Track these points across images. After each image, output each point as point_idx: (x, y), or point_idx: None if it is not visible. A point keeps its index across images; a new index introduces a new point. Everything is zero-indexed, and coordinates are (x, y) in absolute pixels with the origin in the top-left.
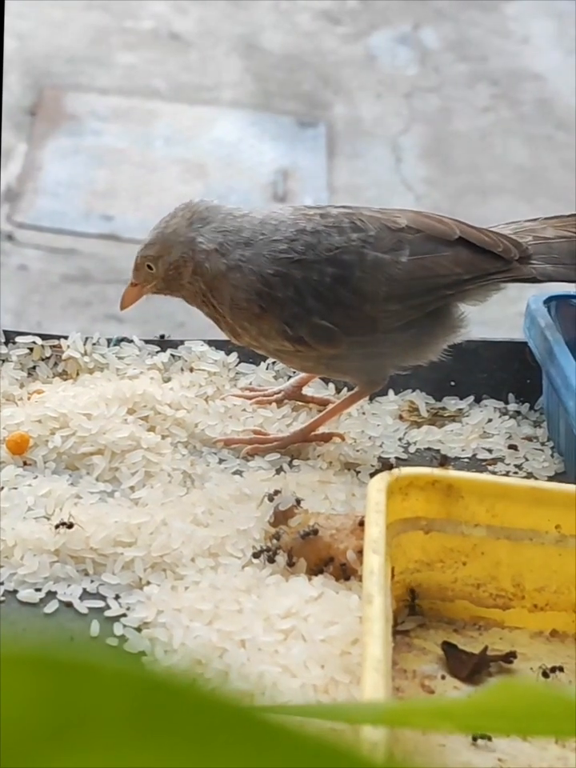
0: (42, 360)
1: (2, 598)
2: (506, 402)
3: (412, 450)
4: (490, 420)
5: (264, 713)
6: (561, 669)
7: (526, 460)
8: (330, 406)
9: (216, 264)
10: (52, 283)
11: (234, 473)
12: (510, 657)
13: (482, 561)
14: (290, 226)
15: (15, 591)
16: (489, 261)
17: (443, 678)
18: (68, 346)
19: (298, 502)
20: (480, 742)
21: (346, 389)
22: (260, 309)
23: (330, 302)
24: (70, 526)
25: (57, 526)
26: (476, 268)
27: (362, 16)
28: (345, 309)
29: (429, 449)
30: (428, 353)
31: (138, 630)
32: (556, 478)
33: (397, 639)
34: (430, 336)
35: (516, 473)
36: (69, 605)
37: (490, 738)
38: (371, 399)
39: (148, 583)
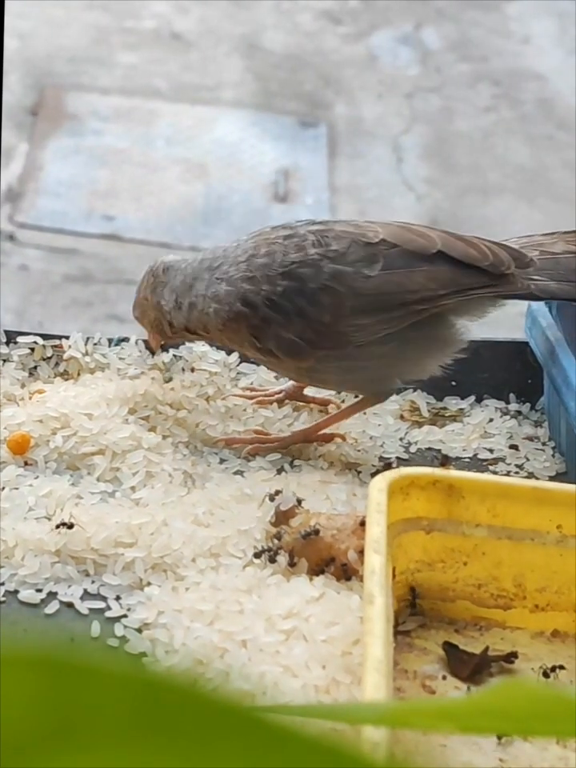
0: (44, 360)
1: (3, 599)
2: (507, 402)
3: (413, 449)
4: (491, 420)
5: (265, 713)
6: (561, 667)
7: (527, 460)
8: (332, 408)
9: (179, 317)
10: (53, 283)
11: (235, 473)
12: (511, 657)
13: (483, 561)
14: (240, 254)
15: (16, 592)
16: (470, 276)
17: (444, 678)
18: (69, 346)
19: (299, 502)
20: (503, 739)
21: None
22: (224, 327)
23: (290, 314)
24: (70, 526)
25: (57, 527)
26: (453, 283)
27: (363, 16)
28: (306, 321)
29: (430, 449)
30: (424, 366)
31: (139, 630)
32: (557, 478)
33: (398, 639)
34: (420, 350)
35: (517, 473)
36: (70, 605)
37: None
38: None
39: (149, 584)
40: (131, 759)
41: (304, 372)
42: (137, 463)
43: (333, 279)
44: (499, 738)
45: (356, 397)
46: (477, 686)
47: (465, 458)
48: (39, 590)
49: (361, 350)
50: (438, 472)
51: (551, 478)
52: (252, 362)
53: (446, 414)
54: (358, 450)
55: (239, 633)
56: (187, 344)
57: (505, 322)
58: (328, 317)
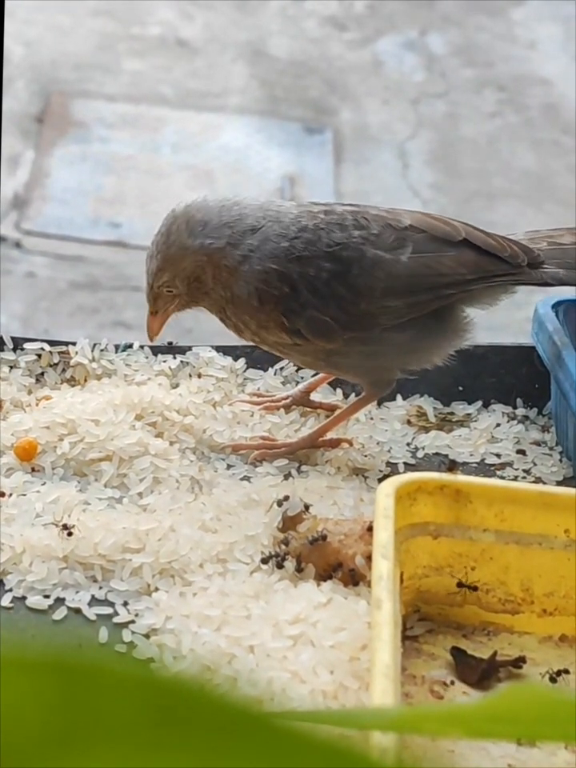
0: (50, 366)
1: (11, 605)
2: (514, 407)
3: (420, 455)
4: (498, 425)
5: (274, 717)
6: (567, 671)
7: (535, 465)
8: (338, 412)
9: (232, 257)
10: (60, 290)
11: (242, 479)
12: (519, 662)
13: (490, 566)
14: (293, 221)
15: (24, 598)
16: (494, 263)
17: (452, 683)
18: (76, 353)
19: (307, 507)
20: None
21: (353, 394)
22: (258, 302)
23: (326, 297)
24: (70, 533)
25: (56, 526)
26: (480, 269)
27: (369, 22)
28: (341, 303)
29: (437, 454)
30: (432, 356)
31: (147, 636)
32: (564, 482)
33: (406, 644)
34: (433, 339)
35: (524, 477)
36: (77, 611)
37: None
38: (379, 404)
39: (156, 589)
40: (140, 762)
41: (323, 356)
42: (144, 469)
43: (374, 265)
44: (518, 742)
45: (356, 395)
46: (485, 691)
47: (472, 462)
48: (47, 596)
49: (384, 335)
50: (446, 477)
51: (558, 483)
52: (259, 368)
53: (453, 419)
54: (365, 456)
55: (247, 638)
56: (194, 349)
57: (512, 326)
58: (363, 299)
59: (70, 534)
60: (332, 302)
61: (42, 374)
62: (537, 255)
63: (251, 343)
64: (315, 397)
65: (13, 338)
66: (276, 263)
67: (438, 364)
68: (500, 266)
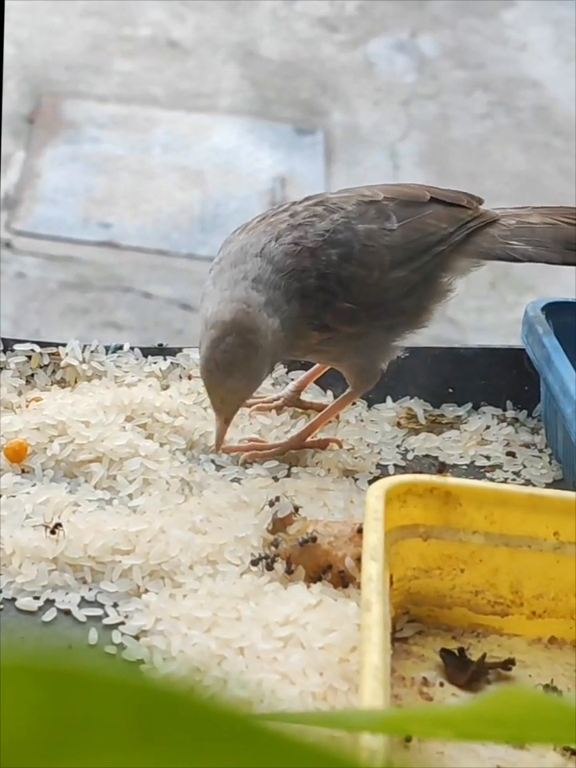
0: (40, 367)
1: (1, 606)
2: (504, 409)
3: (410, 457)
4: (488, 427)
5: (263, 720)
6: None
7: (524, 467)
8: (325, 410)
9: (285, 341)
10: (50, 290)
11: (233, 480)
12: (508, 664)
13: (480, 568)
14: (273, 238)
15: (13, 599)
16: (462, 212)
17: (442, 685)
18: (66, 354)
19: (297, 509)
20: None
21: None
22: (295, 321)
23: (343, 282)
24: (53, 531)
25: (47, 529)
26: (456, 219)
27: (360, 23)
28: (358, 285)
29: (427, 456)
30: (428, 319)
31: (137, 637)
32: (554, 484)
33: (395, 646)
34: (428, 301)
35: (514, 480)
36: (67, 613)
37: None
38: (369, 406)
39: (146, 591)
40: (128, 766)
41: (352, 342)
42: (134, 470)
43: (369, 238)
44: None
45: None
46: (474, 693)
47: (462, 465)
48: (37, 598)
49: (395, 306)
50: (435, 479)
51: (548, 485)
52: None
53: (443, 421)
54: (355, 457)
55: (236, 640)
56: (184, 351)
57: (501, 329)
58: (375, 274)
59: (52, 532)
60: (348, 284)
61: (32, 375)
62: (481, 201)
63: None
64: (305, 397)
65: (3, 339)
66: (298, 278)
67: (426, 327)
68: (467, 212)
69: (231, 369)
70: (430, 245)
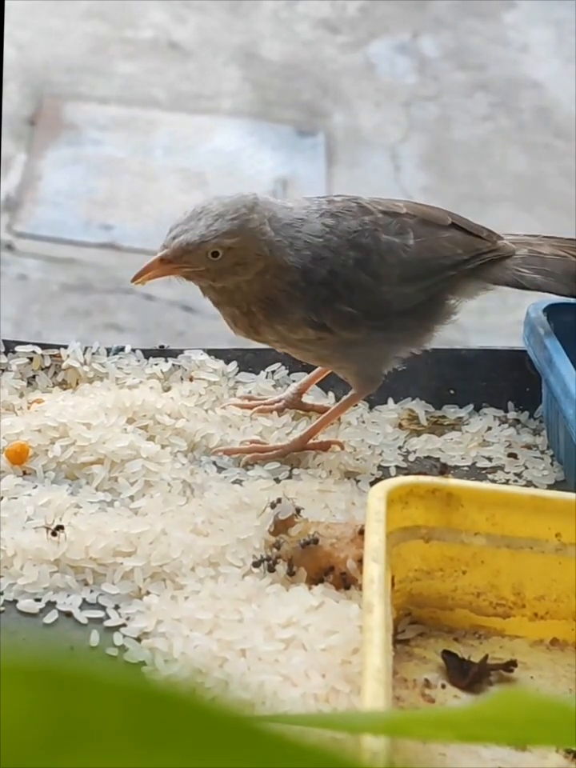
0: (42, 369)
1: (2, 608)
2: (506, 411)
3: (412, 458)
4: (489, 428)
5: (264, 722)
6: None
7: (526, 468)
8: (327, 412)
9: (287, 258)
10: (52, 293)
11: (234, 482)
12: (510, 665)
13: (482, 569)
14: (314, 215)
15: (15, 601)
16: (480, 242)
17: (443, 686)
18: (68, 356)
19: (298, 510)
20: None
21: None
22: (294, 299)
23: (353, 286)
24: (54, 533)
25: (48, 531)
26: (472, 248)
27: (361, 25)
28: (364, 293)
29: (428, 457)
30: (429, 339)
31: (138, 639)
32: (556, 486)
33: (397, 648)
34: (431, 322)
35: (516, 481)
36: (68, 615)
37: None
38: (371, 408)
39: (148, 593)
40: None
41: (344, 347)
42: (135, 472)
43: (389, 250)
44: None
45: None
46: (476, 694)
47: (463, 466)
48: (38, 600)
49: (398, 322)
50: (437, 481)
51: (550, 487)
52: (251, 371)
53: (445, 423)
54: (357, 459)
55: (238, 642)
56: (185, 353)
57: (503, 330)
58: (384, 287)
59: (54, 534)
60: (357, 290)
61: (34, 377)
62: (501, 238)
63: (257, 342)
64: (307, 399)
65: (4, 341)
66: (315, 259)
67: (426, 348)
68: (484, 243)
69: (207, 218)
70: (443, 267)
